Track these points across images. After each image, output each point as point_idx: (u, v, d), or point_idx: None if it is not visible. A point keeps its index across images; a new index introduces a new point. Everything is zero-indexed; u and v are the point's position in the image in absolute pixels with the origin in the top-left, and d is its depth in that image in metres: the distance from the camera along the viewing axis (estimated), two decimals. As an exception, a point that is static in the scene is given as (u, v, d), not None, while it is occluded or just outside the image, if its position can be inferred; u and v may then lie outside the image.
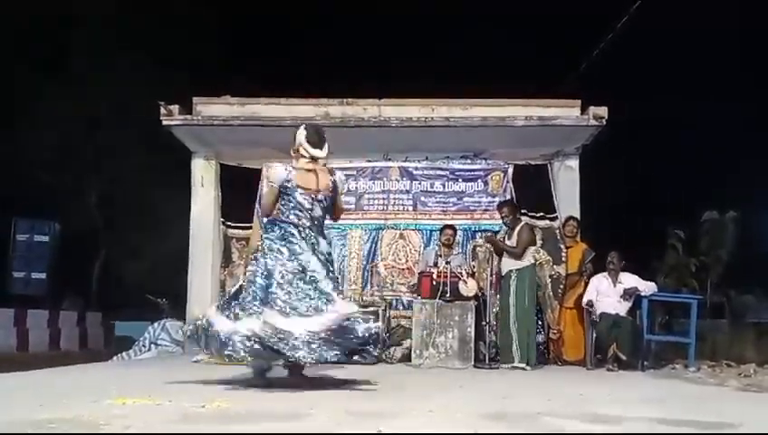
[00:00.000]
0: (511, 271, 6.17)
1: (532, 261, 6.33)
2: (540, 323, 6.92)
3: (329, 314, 3.86)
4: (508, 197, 7.23)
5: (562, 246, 7.12)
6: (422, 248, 7.32)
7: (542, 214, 7.32)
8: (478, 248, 6.97)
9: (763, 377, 5.33)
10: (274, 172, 4.19)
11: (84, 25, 13.61)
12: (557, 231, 7.21)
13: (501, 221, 6.57)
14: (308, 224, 4.10)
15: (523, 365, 5.92)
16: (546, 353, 6.86)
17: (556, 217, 7.29)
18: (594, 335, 6.23)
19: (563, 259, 7.07)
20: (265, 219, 4.25)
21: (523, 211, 7.20)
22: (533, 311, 6.36)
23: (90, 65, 13.31)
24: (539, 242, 7.07)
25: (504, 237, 6.51)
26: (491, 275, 6.39)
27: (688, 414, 3.10)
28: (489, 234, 6.86)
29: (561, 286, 7.00)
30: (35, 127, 13.27)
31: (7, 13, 12.25)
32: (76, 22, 13.69)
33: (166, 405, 2.99)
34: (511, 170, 7.45)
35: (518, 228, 6.29)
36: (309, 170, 4.16)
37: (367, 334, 3.88)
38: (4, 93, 12.56)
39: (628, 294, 6.21)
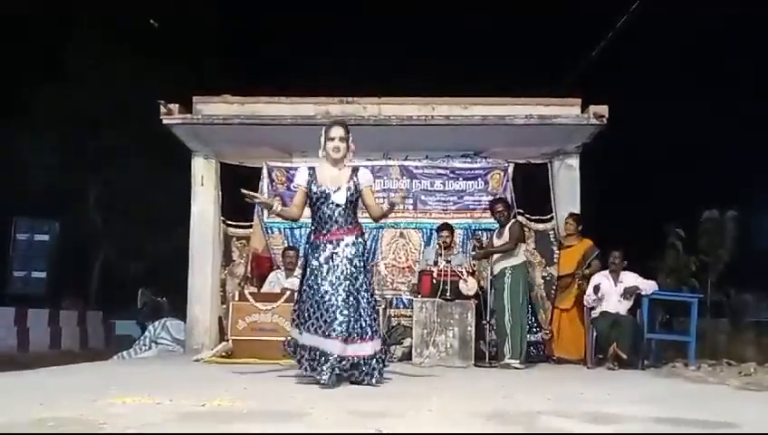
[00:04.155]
0: (505, 268, 6.16)
1: (524, 259, 6.33)
2: (534, 322, 6.94)
3: None
4: (507, 196, 7.24)
5: (554, 248, 7.15)
6: (422, 247, 7.33)
7: (537, 217, 7.34)
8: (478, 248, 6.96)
9: (763, 376, 5.33)
10: None
11: (84, 26, 13.60)
12: (550, 233, 7.23)
13: (494, 218, 6.54)
14: None
15: (515, 362, 5.92)
16: (543, 352, 6.88)
17: (551, 219, 7.29)
18: (594, 334, 6.24)
19: (555, 260, 7.10)
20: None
21: (519, 212, 7.22)
22: (526, 307, 6.36)
23: (89, 65, 13.30)
24: (532, 244, 7.11)
25: (492, 236, 6.53)
26: (491, 274, 6.39)
27: (689, 413, 3.10)
28: (477, 246, 6.69)
29: (554, 288, 7.03)
30: (35, 127, 13.27)
31: (7, 12, 12.24)
32: (76, 22, 13.67)
33: (166, 404, 2.99)
34: (511, 169, 7.46)
35: (509, 225, 6.30)
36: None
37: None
38: (3, 93, 12.55)
39: (629, 292, 6.21)
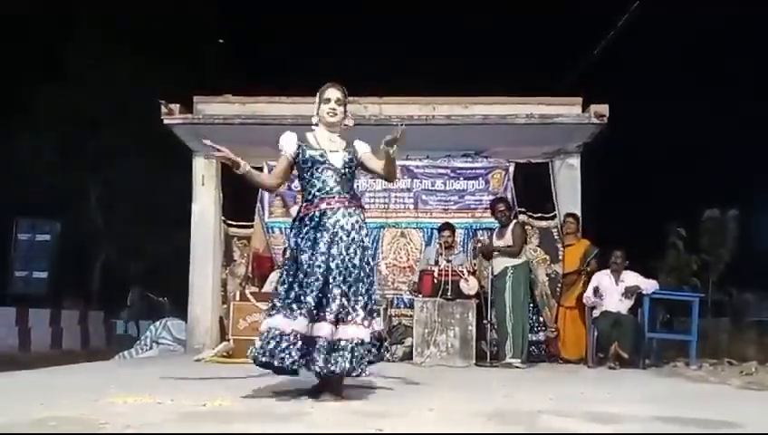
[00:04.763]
0: (507, 268, 6.18)
1: (525, 258, 6.34)
2: (539, 321, 6.93)
3: None
4: (509, 195, 7.24)
5: (559, 246, 7.14)
6: (423, 247, 7.33)
7: (540, 214, 7.33)
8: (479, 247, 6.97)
9: (764, 375, 5.33)
10: None
11: (84, 26, 13.60)
12: (554, 230, 7.23)
13: (495, 218, 6.56)
14: None
15: (516, 362, 5.92)
16: (547, 352, 6.87)
17: (554, 217, 7.29)
18: (595, 333, 6.24)
19: (560, 258, 7.09)
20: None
21: (521, 210, 7.21)
22: (527, 307, 6.36)
23: (89, 65, 13.31)
24: (536, 241, 7.10)
25: (492, 235, 6.54)
26: (492, 274, 6.39)
27: (690, 412, 3.10)
28: (479, 243, 6.83)
29: (559, 285, 7.01)
30: (36, 127, 13.29)
31: (7, 12, 12.24)
32: (76, 22, 13.68)
33: (167, 404, 2.99)
34: (512, 168, 7.45)
35: (511, 226, 6.32)
36: None
37: None
38: (4, 94, 12.57)
39: (630, 292, 6.21)
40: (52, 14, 13.17)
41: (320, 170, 3.50)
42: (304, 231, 3.43)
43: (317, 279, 3.29)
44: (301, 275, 3.34)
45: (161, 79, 11.61)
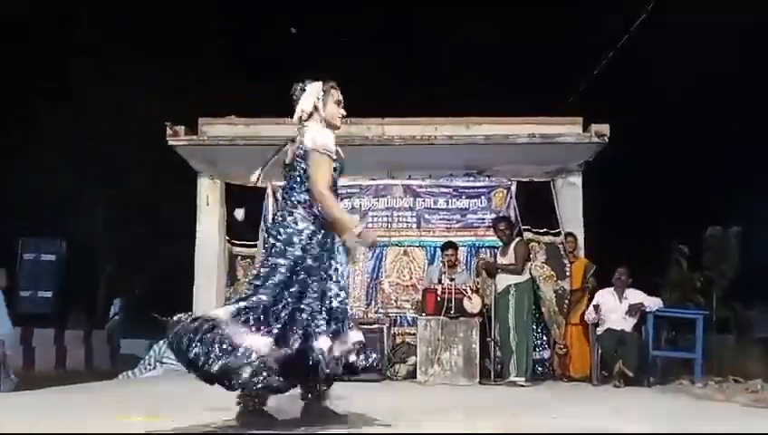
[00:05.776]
0: (509, 286, 6.19)
1: (528, 276, 6.35)
2: (545, 338, 6.91)
3: None
4: (511, 213, 7.27)
5: (566, 262, 7.13)
6: (426, 265, 7.35)
7: (545, 230, 7.34)
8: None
9: (770, 393, 5.30)
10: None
11: (89, 50, 13.70)
12: (560, 246, 7.23)
13: (497, 237, 6.60)
14: None
15: (521, 380, 5.91)
16: (552, 370, 6.84)
17: (559, 233, 7.30)
18: (600, 351, 6.22)
19: (567, 274, 7.08)
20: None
21: (526, 227, 7.23)
22: (531, 325, 6.37)
23: (95, 85, 13.38)
24: (542, 257, 7.11)
25: (495, 254, 6.57)
26: (495, 292, 6.40)
27: (696, 430, 3.10)
28: (483, 261, 6.91)
29: (566, 302, 6.99)
30: (41, 146, 13.33)
31: (9, 31, 12.32)
32: (79, 48, 13.76)
33: (171, 424, 3.00)
34: (514, 187, 7.48)
35: (514, 244, 6.35)
36: None
37: None
38: (5, 107, 12.59)
39: (634, 309, 6.20)
40: (56, 35, 13.22)
41: (338, 180, 3.28)
42: (332, 239, 3.14)
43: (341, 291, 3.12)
44: (335, 289, 3.10)
45: (167, 98, 11.67)
